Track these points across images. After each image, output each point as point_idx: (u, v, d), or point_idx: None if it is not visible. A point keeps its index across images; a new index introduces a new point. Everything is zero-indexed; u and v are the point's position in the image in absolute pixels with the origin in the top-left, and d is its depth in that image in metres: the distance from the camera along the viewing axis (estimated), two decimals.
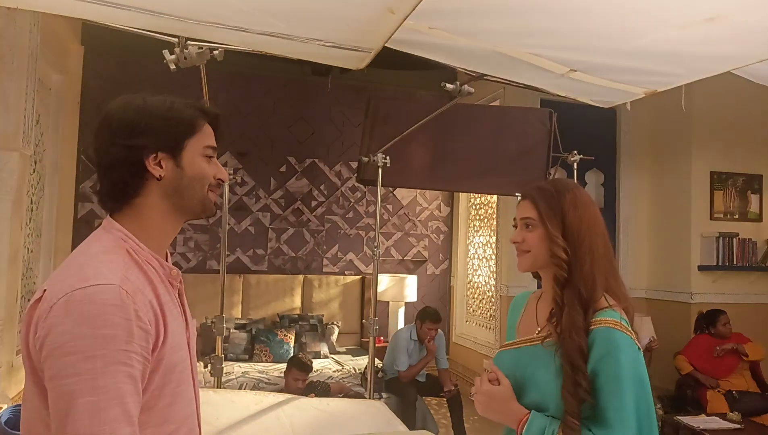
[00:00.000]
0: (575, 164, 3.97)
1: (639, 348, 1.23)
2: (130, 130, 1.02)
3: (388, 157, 3.36)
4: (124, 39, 2.68)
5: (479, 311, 6.07)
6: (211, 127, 1.10)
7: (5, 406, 2.78)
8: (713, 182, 4.99)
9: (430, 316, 4.44)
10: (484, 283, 6.00)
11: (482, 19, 1.97)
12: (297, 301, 5.71)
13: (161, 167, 1.03)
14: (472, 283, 6.27)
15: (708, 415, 3.95)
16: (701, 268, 4.89)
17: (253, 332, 5.16)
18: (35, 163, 4.13)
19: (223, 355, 3.12)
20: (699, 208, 4.97)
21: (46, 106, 4.40)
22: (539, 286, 1.43)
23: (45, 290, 0.94)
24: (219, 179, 1.10)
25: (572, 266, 1.25)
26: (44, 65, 3.99)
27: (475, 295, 6.18)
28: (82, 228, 4.94)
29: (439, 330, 4.54)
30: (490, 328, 5.73)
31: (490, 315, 5.76)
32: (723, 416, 3.86)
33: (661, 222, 5.34)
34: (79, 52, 5.02)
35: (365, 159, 3.47)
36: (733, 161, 5.02)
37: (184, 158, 1.05)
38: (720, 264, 4.86)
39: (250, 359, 5.00)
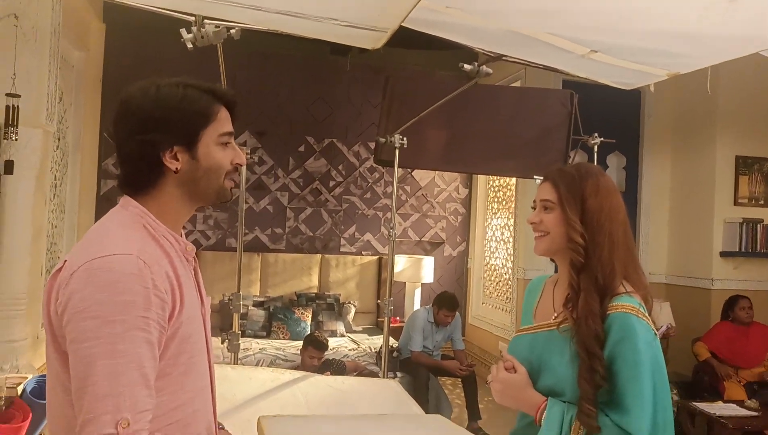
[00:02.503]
0: (596, 147, 3.92)
1: (656, 334, 1.22)
2: (146, 124, 1.03)
3: (405, 138, 3.34)
4: (145, 17, 2.69)
5: (496, 294, 6.06)
6: (227, 110, 1.10)
7: (30, 376, 2.87)
8: (738, 167, 4.87)
9: (447, 302, 4.45)
10: (501, 265, 5.98)
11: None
12: (314, 280, 5.76)
13: (177, 160, 1.04)
14: (489, 266, 6.25)
15: (725, 402, 3.91)
16: (723, 254, 4.81)
17: (271, 310, 5.23)
18: (58, 140, 4.20)
19: (240, 332, 3.17)
20: (723, 193, 4.86)
21: (69, 84, 4.46)
22: (556, 271, 1.42)
23: (65, 261, 0.98)
24: (237, 164, 1.11)
25: (589, 252, 1.24)
26: (66, 43, 4.03)
27: (492, 278, 6.17)
28: (105, 205, 5.02)
29: (456, 312, 4.56)
30: (506, 310, 5.72)
31: (507, 298, 5.75)
32: (740, 403, 3.82)
33: (683, 207, 5.25)
34: (101, 29, 5.06)
35: (382, 139, 3.45)
36: (759, 145, 4.88)
37: (200, 149, 1.05)
38: (743, 250, 4.77)
39: (267, 336, 5.08)
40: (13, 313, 3.26)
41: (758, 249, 4.79)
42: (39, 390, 2.67)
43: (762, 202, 4.91)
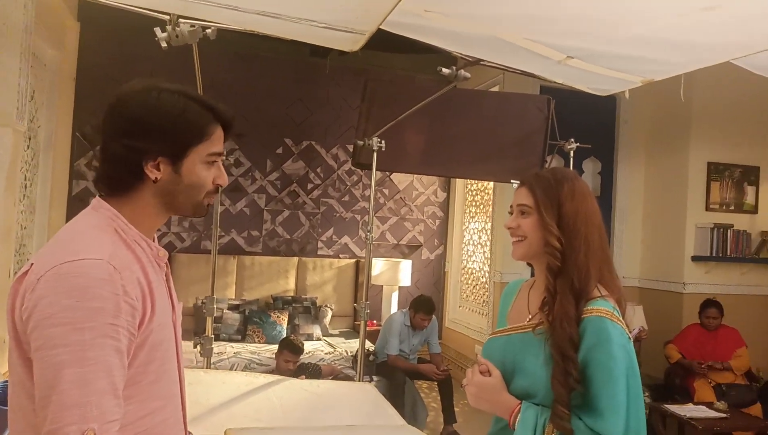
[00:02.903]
0: (572, 152, 3.96)
1: (629, 338, 1.24)
2: (137, 128, 1.00)
3: (383, 141, 3.34)
4: (120, 16, 2.65)
5: (473, 297, 6.09)
6: (223, 130, 1.08)
7: None
8: (710, 173, 4.98)
9: (424, 306, 4.46)
10: (478, 269, 6.01)
11: (478, 3, 1.94)
12: (291, 284, 5.72)
13: (158, 171, 1.02)
14: (466, 269, 6.28)
15: (695, 404, 3.98)
16: (695, 258, 4.90)
17: (246, 313, 5.18)
18: (29, 139, 4.10)
19: (213, 336, 3.13)
20: (695, 198, 4.96)
21: (41, 82, 4.36)
22: (533, 275, 1.43)
23: (32, 264, 0.95)
24: (218, 184, 1.09)
25: (566, 256, 1.25)
26: (39, 41, 3.95)
27: (469, 281, 6.20)
28: (76, 205, 4.92)
29: (433, 316, 4.57)
30: (483, 314, 5.75)
31: (484, 301, 5.78)
32: (710, 405, 3.89)
33: (656, 211, 5.34)
34: (76, 28, 4.97)
35: (361, 142, 3.44)
36: (730, 152, 5.00)
37: (184, 165, 1.04)
38: (714, 255, 4.87)
39: (242, 340, 5.03)
40: None
41: (728, 253, 4.90)
42: (2, 396, 2.60)
43: (732, 207, 5.03)
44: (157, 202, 1.05)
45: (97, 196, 1.06)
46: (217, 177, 1.08)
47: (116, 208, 1.03)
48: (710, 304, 4.49)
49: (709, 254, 4.87)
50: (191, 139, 1.03)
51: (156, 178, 1.02)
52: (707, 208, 4.97)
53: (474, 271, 6.10)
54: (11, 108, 3.32)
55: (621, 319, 1.24)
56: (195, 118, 1.04)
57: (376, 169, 3.38)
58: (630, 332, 1.27)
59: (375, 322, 5.58)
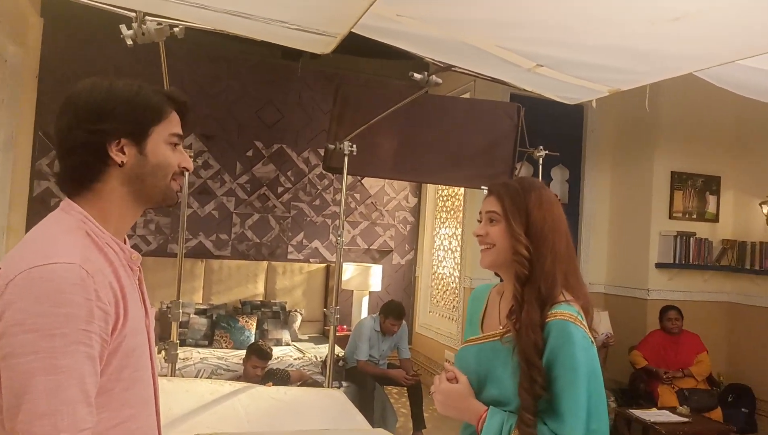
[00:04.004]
0: (541, 160, 4.01)
1: (592, 342, 1.25)
2: (95, 114, 0.99)
3: (354, 146, 3.33)
4: (85, 13, 2.59)
5: (443, 302, 6.11)
6: (178, 115, 1.08)
7: None
8: (674, 182, 5.11)
9: (394, 311, 4.45)
10: (448, 274, 6.03)
11: (450, 9, 1.95)
12: (260, 288, 5.65)
13: (123, 154, 1.01)
14: (436, 275, 6.30)
15: (659, 408, 4.06)
16: (659, 265, 5.01)
17: (214, 318, 5.09)
18: None
19: (179, 341, 3.06)
20: (659, 206, 5.08)
21: (2, 80, 4.23)
22: (501, 280, 1.43)
23: (0, 268, 0.91)
24: (183, 168, 1.08)
25: (533, 264, 1.27)
26: (0, 36, 3.83)
27: (440, 287, 6.22)
28: (37, 206, 4.77)
29: (403, 321, 4.56)
30: (453, 319, 5.77)
31: (453, 306, 5.80)
32: (673, 410, 3.97)
33: (622, 219, 5.45)
34: (39, 24, 4.83)
35: (332, 146, 3.42)
36: (693, 162, 5.14)
37: (148, 145, 1.03)
38: (677, 262, 4.99)
39: (209, 345, 4.94)
40: None
41: (691, 261, 5.02)
42: None
43: (695, 216, 5.16)
44: (126, 191, 1.03)
45: (66, 199, 1.03)
46: (182, 160, 1.08)
47: (85, 207, 1.01)
48: (669, 308, 4.61)
49: (672, 261, 4.99)
50: (150, 117, 1.03)
51: (122, 161, 1.01)
52: (671, 217, 5.09)
53: (444, 277, 6.13)
54: None
55: (584, 323, 1.25)
56: (150, 99, 1.04)
57: (348, 174, 3.37)
58: (597, 338, 1.28)
59: (345, 327, 5.55)
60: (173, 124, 1.07)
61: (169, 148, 1.06)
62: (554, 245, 1.28)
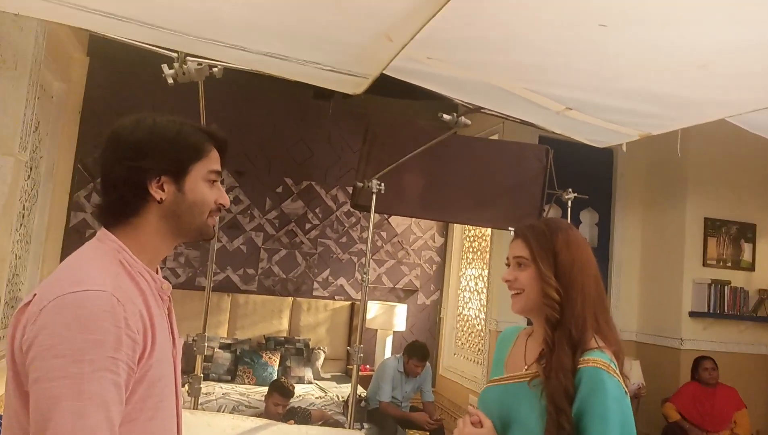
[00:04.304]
0: (569, 202, 3.98)
1: (626, 392, 1.21)
2: (137, 151, 1.02)
3: (382, 184, 3.36)
4: (128, 52, 2.70)
5: (468, 345, 6.00)
6: (218, 152, 1.11)
7: None
8: (707, 228, 4.99)
9: (417, 352, 4.40)
10: (474, 316, 5.95)
11: (480, 52, 1.99)
12: (284, 324, 5.65)
13: (163, 190, 1.04)
14: (462, 316, 6.22)
15: None
16: (692, 314, 4.86)
17: (238, 353, 5.09)
18: (31, 169, 4.12)
19: (202, 375, 3.07)
20: (692, 253, 4.96)
21: (47, 114, 4.42)
22: (529, 323, 1.41)
23: (35, 294, 0.94)
24: (220, 204, 1.10)
25: (564, 307, 1.24)
26: (47, 73, 4.02)
27: (465, 328, 6.12)
28: (73, 237, 4.90)
29: (426, 362, 4.49)
30: (478, 362, 5.66)
31: (479, 349, 5.70)
32: None
33: (653, 265, 5.32)
34: (84, 62, 5.06)
35: (360, 184, 3.47)
36: (727, 208, 5.03)
37: (187, 183, 1.05)
38: (711, 311, 4.83)
39: (232, 380, 4.92)
40: None
41: (726, 311, 4.86)
42: None
43: (729, 264, 5.02)
44: (162, 225, 1.05)
45: (102, 228, 1.06)
46: (219, 197, 1.10)
47: (121, 238, 1.03)
48: (704, 358, 4.44)
49: (706, 310, 4.83)
50: (190, 155, 1.06)
51: (161, 198, 1.03)
52: (704, 264, 4.96)
53: (470, 319, 6.04)
54: (15, 137, 3.34)
55: (618, 372, 1.22)
56: (191, 136, 1.07)
57: (375, 212, 3.39)
58: (628, 387, 1.24)
59: (368, 366, 5.49)
60: (212, 161, 1.09)
61: (207, 185, 1.08)
62: (584, 287, 1.26)
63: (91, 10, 1.84)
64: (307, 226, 5.87)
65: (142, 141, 1.03)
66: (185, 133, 1.06)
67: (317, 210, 5.91)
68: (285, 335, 5.55)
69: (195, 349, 3.04)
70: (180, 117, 1.11)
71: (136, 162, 1.02)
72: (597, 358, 1.20)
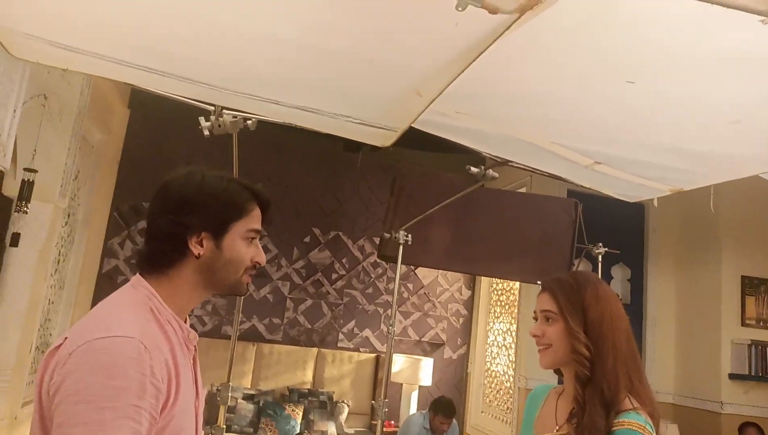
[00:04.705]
0: (600, 257, 3.91)
1: None
2: (182, 206, 1.05)
3: (409, 235, 3.36)
4: (167, 104, 2.82)
5: (496, 402, 5.82)
6: (260, 210, 1.13)
7: None
8: (744, 287, 4.83)
9: (443, 409, 4.27)
10: (502, 372, 5.79)
11: (507, 107, 2.01)
12: (309, 375, 5.58)
13: (202, 246, 1.06)
14: (489, 372, 6.06)
15: None
16: (732, 376, 4.64)
17: (261, 404, 5.02)
18: (68, 216, 4.25)
19: (225, 426, 3.03)
20: (729, 313, 4.78)
21: (87, 163, 4.59)
22: (560, 382, 1.37)
23: (66, 338, 0.95)
24: (256, 262, 1.12)
25: (594, 363, 1.21)
26: (90, 124, 4.20)
27: (493, 385, 5.95)
28: (105, 283, 4.99)
29: (453, 419, 4.36)
30: (506, 421, 5.47)
31: (507, 407, 5.51)
32: None
33: (689, 324, 5.14)
34: (125, 114, 5.28)
35: (387, 235, 3.47)
36: (765, 266, 4.87)
37: (226, 240, 1.07)
38: (753, 374, 4.61)
39: (254, 433, 4.84)
40: None
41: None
42: None
43: None
44: (196, 278, 1.07)
45: (137, 275, 1.08)
46: (255, 255, 1.12)
47: (154, 286, 1.05)
48: (749, 425, 4.21)
49: (747, 373, 4.61)
50: (232, 214, 1.08)
51: (199, 253, 1.05)
52: (743, 324, 4.77)
53: (498, 375, 5.88)
54: (56, 185, 3.48)
55: (654, 434, 1.17)
56: (235, 195, 1.09)
57: (401, 263, 3.38)
58: None
59: (393, 422, 5.35)
60: (253, 220, 1.11)
61: (244, 243, 1.10)
62: (615, 343, 1.22)
63: (136, 65, 1.94)
64: (334, 276, 5.87)
65: (189, 197, 1.06)
66: (231, 192, 1.09)
67: (344, 260, 5.92)
68: (309, 387, 5.47)
69: (219, 398, 3.00)
70: (228, 173, 1.13)
71: (180, 217, 1.05)
72: (632, 420, 1.15)
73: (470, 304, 6.30)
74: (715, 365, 4.73)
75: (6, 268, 3.35)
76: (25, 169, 3.02)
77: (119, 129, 5.23)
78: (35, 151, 3.10)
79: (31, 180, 3.01)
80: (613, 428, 1.15)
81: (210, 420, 4.47)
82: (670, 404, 5.04)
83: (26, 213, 3.10)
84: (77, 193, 4.45)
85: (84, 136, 4.06)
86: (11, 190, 3.12)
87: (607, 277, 5.08)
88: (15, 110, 2.45)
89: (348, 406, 5.41)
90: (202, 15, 1.55)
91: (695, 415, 4.83)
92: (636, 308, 5.24)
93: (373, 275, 5.97)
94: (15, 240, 3.24)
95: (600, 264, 3.92)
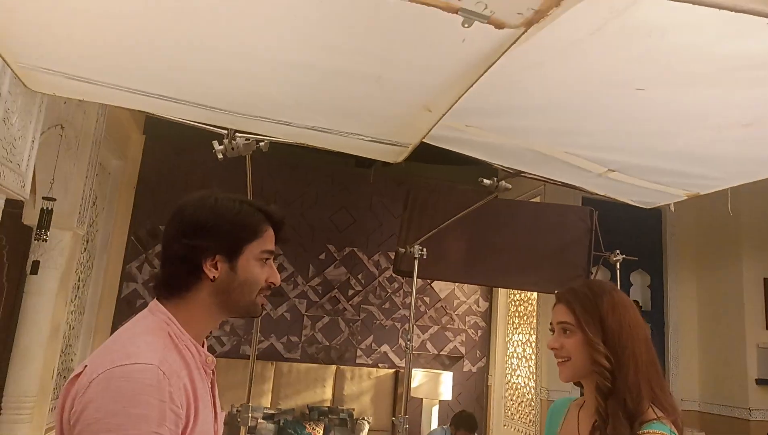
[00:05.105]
0: (618, 264, 3.87)
1: None
2: (197, 230, 1.07)
3: (424, 249, 3.36)
4: (181, 130, 2.87)
5: (518, 415, 5.75)
6: (273, 231, 1.14)
7: None
8: (767, 289, 4.75)
9: (465, 423, 4.23)
10: (523, 384, 5.73)
11: (518, 118, 2.02)
12: (328, 393, 5.56)
13: (216, 269, 1.07)
14: (510, 384, 5.99)
15: None
16: (760, 381, 4.55)
17: (281, 423, 5.01)
18: (87, 242, 4.31)
19: None
20: (753, 316, 4.70)
21: (104, 189, 4.66)
22: (582, 394, 1.35)
23: (86, 366, 0.97)
24: (271, 283, 1.13)
25: (615, 374, 1.19)
26: (106, 151, 4.27)
27: (514, 397, 5.88)
28: (124, 307, 5.04)
29: (476, 434, 4.31)
30: (529, 434, 5.39)
31: (530, 420, 5.44)
32: None
33: (713, 329, 5.06)
34: (140, 140, 5.37)
35: (402, 250, 3.48)
36: None
37: (240, 262, 1.08)
38: None
39: None
40: (19, 416, 3.18)
41: None
42: None
43: None
44: (212, 301, 1.08)
45: (154, 300, 1.09)
46: (270, 275, 1.12)
47: (172, 310, 1.06)
48: None
49: None
50: (246, 236, 1.09)
51: (214, 276, 1.06)
52: None
53: (519, 387, 5.81)
54: (74, 213, 3.53)
55: None
56: (249, 217, 1.10)
57: (417, 277, 3.38)
58: None
59: None
60: (267, 241, 1.12)
61: (258, 264, 1.10)
62: (634, 352, 1.20)
63: (149, 93, 1.97)
64: (350, 292, 5.87)
65: (202, 220, 1.07)
66: (244, 214, 1.10)
67: (360, 276, 5.92)
68: (329, 404, 5.45)
69: (239, 420, 3.01)
70: (241, 196, 1.14)
71: (194, 240, 1.06)
72: (657, 431, 1.14)
73: (488, 316, 6.25)
74: (741, 371, 4.64)
75: (27, 296, 3.40)
76: (43, 198, 3.07)
77: (135, 155, 5.31)
78: (53, 179, 3.16)
79: (50, 208, 3.06)
80: None
81: None
82: (697, 412, 4.95)
83: (46, 241, 3.15)
84: (95, 219, 4.51)
85: (101, 163, 4.12)
86: (31, 219, 3.17)
87: (626, 284, 5.02)
88: (33, 141, 2.50)
89: (368, 423, 5.38)
90: (211, 42, 1.58)
91: (723, 422, 4.73)
92: (657, 314, 5.17)
93: (389, 290, 5.96)
94: (35, 268, 3.29)
95: (618, 271, 3.88)
